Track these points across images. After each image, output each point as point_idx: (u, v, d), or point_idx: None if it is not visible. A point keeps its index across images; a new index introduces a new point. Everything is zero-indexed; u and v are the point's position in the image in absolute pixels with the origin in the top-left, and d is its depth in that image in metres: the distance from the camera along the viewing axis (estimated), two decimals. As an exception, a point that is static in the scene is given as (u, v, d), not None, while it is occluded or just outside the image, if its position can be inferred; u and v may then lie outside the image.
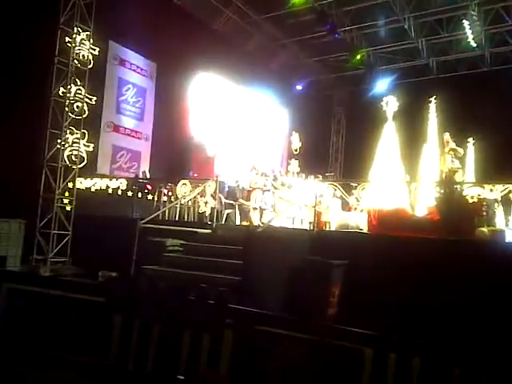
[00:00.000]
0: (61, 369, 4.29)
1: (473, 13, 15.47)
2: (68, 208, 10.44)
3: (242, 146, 17.65)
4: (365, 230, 9.70)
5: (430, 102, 12.18)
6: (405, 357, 3.74)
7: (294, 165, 13.60)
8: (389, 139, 11.69)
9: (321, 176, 12.64)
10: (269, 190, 11.83)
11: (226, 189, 12.32)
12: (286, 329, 4.14)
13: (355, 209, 10.95)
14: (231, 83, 17.75)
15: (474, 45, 16.64)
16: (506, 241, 8.62)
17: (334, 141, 22.03)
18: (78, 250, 10.00)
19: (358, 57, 17.81)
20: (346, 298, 7.59)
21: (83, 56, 10.82)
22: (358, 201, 10.57)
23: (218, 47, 15.96)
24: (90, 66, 10.93)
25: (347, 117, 22.00)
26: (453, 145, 10.40)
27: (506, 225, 10.21)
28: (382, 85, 18.92)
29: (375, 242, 8.41)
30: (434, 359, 3.73)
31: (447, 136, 10.67)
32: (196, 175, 15.00)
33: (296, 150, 14.85)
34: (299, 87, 20.68)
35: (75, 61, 10.63)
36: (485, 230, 8.59)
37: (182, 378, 4.09)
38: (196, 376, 4.02)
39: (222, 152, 16.62)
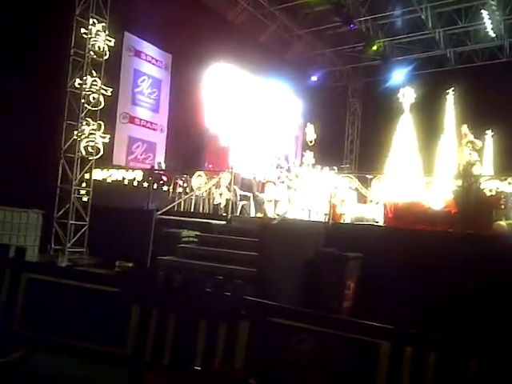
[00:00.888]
0: (78, 357, 4.36)
1: (492, 2, 15.18)
2: (85, 199, 10.55)
3: (256, 137, 17.56)
4: (381, 223, 9.64)
5: (448, 93, 12.01)
6: (421, 351, 3.72)
7: (309, 156, 13.54)
8: (405, 131, 11.57)
9: (336, 168, 12.60)
10: (283, 182, 11.81)
11: (241, 180, 12.32)
12: (301, 321, 4.14)
13: (371, 201, 10.88)
14: (246, 73, 17.62)
15: (493, 35, 16.34)
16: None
17: (350, 132, 21.86)
18: (95, 241, 10.11)
19: (375, 47, 17.58)
20: (362, 290, 7.58)
21: (99, 47, 10.85)
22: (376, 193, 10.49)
23: (232, 38, 15.91)
24: (105, 58, 10.97)
25: (363, 108, 21.81)
26: (471, 137, 10.25)
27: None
28: (398, 76, 18.68)
29: (391, 235, 8.37)
30: (451, 353, 3.72)
31: (465, 128, 10.52)
32: (211, 166, 15.01)
33: (311, 142, 14.77)
34: (314, 78, 20.51)
35: (91, 52, 10.67)
36: (503, 223, 8.50)
37: (199, 368, 4.12)
38: (212, 367, 4.05)
39: (237, 143, 16.55)
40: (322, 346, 4.02)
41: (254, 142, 17.10)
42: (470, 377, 3.65)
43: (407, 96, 11.64)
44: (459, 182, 8.98)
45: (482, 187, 9.02)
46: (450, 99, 11.94)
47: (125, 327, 4.40)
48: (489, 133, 12.94)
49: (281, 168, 12.09)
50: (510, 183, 9.24)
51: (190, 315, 4.31)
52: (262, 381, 3.92)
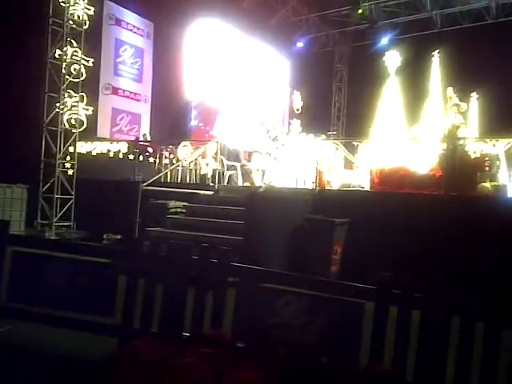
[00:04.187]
0: (67, 328, 4.39)
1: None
2: (70, 172, 10.45)
3: (242, 102, 17.24)
4: (367, 189, 9.69)
5: (433, 55, 11.91)
6: (405, 309, 3.80)
7: (296, 124, 13.45)
8: (391, 95, 11.52)
9: (322, 135, 12.55)
10: (269, 152, 11.77)
11: (228, 150, 12.24)
12: (288, 285, 4.20)
13: (357, 167, 10.89)
14: (231, 28, 17.16)
15: (479, -5, 16.15)
16: (508, 196, 8.61)
17: (336, 99, 21.71)
18: (82, 214, 10.08)
19: (360, 11, 17.33)
20: (349, 255, 7.67)
21: (78, 16, 10.57)
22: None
23: (215, 5, 15.54)
24: (85, 27, 10.70)
25: (349, 74, 21.59)
26: (456, 100, 10.24)
27: (510, 180, 10.15)
28: (384, 40, 18.49)
29: (377, 200, 8.43)
30: (433, 311, 3.80)
31: (450, 91, 10.50)
32: (202, 125, 14.92)
33: (298, 110, 14.66)
34: (300, 44, 20.23)
35: (70, 21, 10.40)
36: (487, 185, 8.57)
37: (188, 334, 4.18)
38: (200, 332, 4.10)
39: (224, 106, 16.20)
40: (309, 307, 4.09)
41: (241, 107, 16.82)
42: (453, 332, 3.74)
43: (393, 60, 11.51)
44: (444, 145, 9.00)
45: (466, 150, 9.06)
46: (436, 62, 11.84)
47: (113, 297, 4.42)
48: (474, 95, 12.90)
49: (268, 137, 12.03)
50: (494, 145, 9.28)
51: (178, 283, 4.34)
52: (249, 343, 3.98)
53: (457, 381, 3.67)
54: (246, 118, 15.66)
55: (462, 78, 12.24)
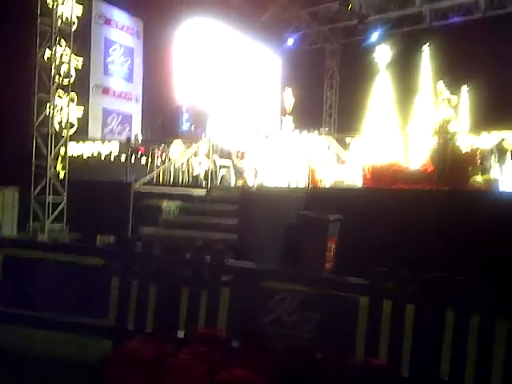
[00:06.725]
0: (60, 330, 4.36)
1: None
2: (61, 174, 10.36)
3: (235, 101, 17.14)
4: (360, 185, 9.70)
5: (423, 50, 11.93)
6: (399, 303, 3.81)
7: (288, 122, 13.42)
8: (382, 91, 11.53)
9: (315, 132, 12.54)
10: (261, 150, 11.74)
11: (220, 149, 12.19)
12: (282, 281, 4.19)
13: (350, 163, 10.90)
14: (221, 38, 17.16)
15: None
16: (499, 190, 8.63)
17: (328, 96, 21.69)
18: (75, 216, 10.01)
19: (350, 7, 17.36)
20: (343, 252, 7.67)
21: (67, 18, 10.48)
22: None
23: (205, 3, 15.47)
24: (74, 27, 10.61)
25: (340, 70, 21.56)
26: (446, 94, 10.25)
27: (501, 173, 10.19)
28: (374, 35, 18.52)
29: (370, 196, 8.44)
30: (427, 304, 3.81)
31: (441, 85, 10.51)
32: (193, 126, 14.92)
33: (289, 107, 14.64)
34: (290, 41, 20.21)
35: (59, 21, 10.30)
36: (479, 179, 8.60)
37: (181, 336, 4.17)
38: (195, 332, 4.09)
39: (215, 107, 16.15)
40: (304, 303, 4.09)
41: (233, 106, 16.74)
42: (448, 326, 3.75)
43: (383, 55, 11.53)
44: (436, 140, 9.01)
45: (457, 144, 9.08)
46: (426, 55, 11.86)
47: (106, 298, 4.40)
48: (464, 88, 12.92)
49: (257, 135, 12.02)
50: (488, 138, 9.28)
51: (171, 283, 4.32)
52: (244, 341, 3.97)
53: (452, 374, 3.68)
54: (238, 117, 15.61)
55: (453, 71, 12.26)
